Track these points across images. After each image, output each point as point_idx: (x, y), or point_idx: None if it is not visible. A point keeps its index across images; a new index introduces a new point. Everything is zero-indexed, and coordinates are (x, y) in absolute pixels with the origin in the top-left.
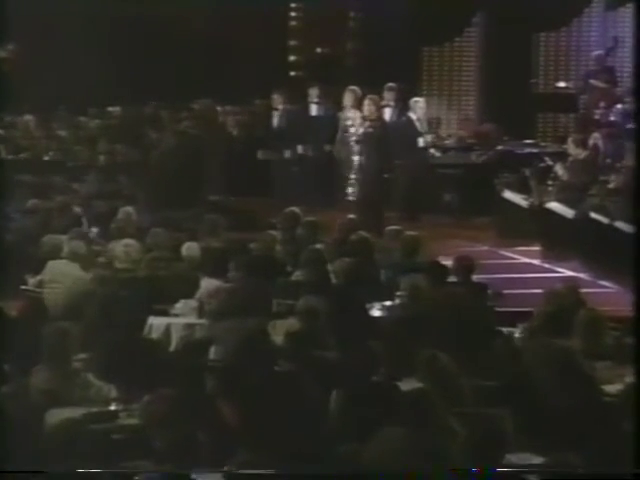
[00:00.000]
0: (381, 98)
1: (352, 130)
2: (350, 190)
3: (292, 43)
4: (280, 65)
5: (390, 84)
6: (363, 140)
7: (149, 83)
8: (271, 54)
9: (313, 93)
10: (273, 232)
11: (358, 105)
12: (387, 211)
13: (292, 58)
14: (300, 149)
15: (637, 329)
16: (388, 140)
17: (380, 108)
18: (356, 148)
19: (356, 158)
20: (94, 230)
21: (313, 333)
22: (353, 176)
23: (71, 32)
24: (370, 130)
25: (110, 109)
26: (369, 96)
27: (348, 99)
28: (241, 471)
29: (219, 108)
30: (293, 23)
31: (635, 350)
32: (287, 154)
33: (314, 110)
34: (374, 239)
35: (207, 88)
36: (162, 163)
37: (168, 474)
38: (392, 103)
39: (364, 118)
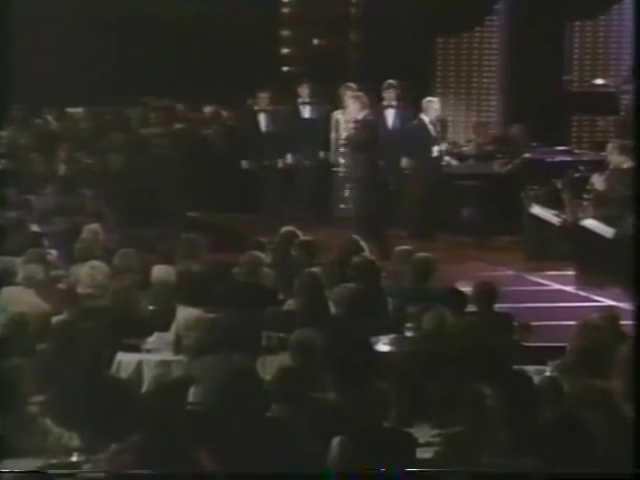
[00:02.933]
0: (381, 98)
1: (343, 134)
2: (348, 204)
3: (284, 34)
4: (269, 60)
5: (390, 81)
6: (349, 145)
7: (117, 82)
8: (259, 47)
9: (306, 92)
10: (259, 253)
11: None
12: (395, 229)
13: (283, 51)
14: (291, 157)
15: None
16: (379, 144)
17: (366, 108)
18: (349, 154)
19: (349, 165)
20: (54, 251)
21: (309, 371)
22: (348, 187)
23: (27, 27)
24: (353, 133)
25: (72, 110)
26: (353, 94)
27: (346, 99)
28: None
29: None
30: (285, 10)
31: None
32: (277, 163)
33: (307, 111)
34: (380, 262)
35: (183, 86)
36: (133, 173)
37: None
38: (394, 103)
39: (354, 120)
